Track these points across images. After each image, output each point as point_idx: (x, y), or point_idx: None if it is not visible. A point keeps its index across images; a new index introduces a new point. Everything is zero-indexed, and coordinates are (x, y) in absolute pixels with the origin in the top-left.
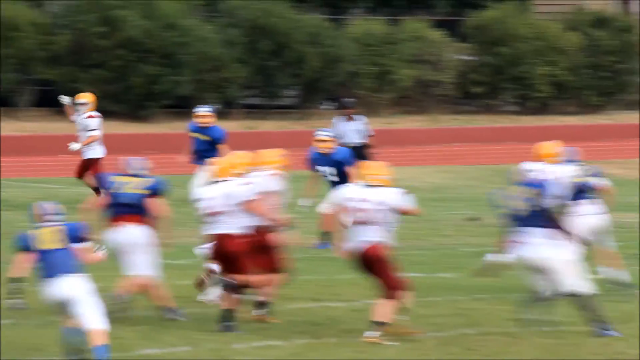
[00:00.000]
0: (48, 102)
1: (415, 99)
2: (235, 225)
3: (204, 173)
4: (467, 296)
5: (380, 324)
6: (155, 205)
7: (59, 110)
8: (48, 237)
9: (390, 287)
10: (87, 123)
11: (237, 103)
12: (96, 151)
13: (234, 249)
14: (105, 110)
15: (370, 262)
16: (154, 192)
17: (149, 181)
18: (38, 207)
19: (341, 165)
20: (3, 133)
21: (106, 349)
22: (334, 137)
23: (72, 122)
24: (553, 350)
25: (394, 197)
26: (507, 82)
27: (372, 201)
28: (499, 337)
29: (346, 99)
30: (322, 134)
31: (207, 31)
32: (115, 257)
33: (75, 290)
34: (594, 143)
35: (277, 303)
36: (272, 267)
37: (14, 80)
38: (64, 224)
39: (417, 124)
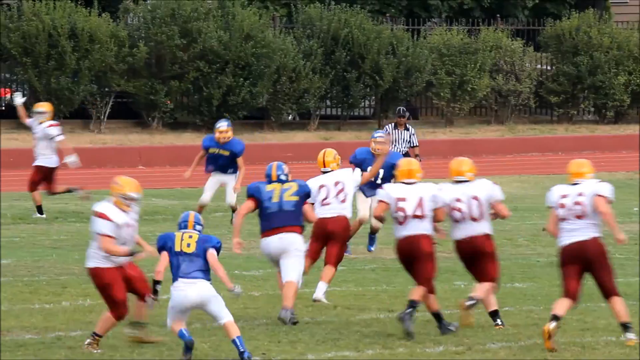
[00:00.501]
0: (126, 114)
1: (492, 108)
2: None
3: (214, 182)
4: (541, 306)
5: (494, 313)
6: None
7: (138, 122)
8: (186, 241)
9: (492, 278)
10: (48, 132)
11: (314, 114)
12: (52, 160)
13: (429, 249)
14: (183, 122)
15: (477, 253)
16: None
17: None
18: (183, 214)
19: (391, 169)
20: (81, 144)
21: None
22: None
23: (25, 124)
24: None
25: (488, 188)
26: (585, 92)
27: (469, 196)
28: (573, 347)
29: (400, 107)
30: (379, 135)
31: (284, 42)
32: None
33: (203, 293)
34: None
35: (351, 313)
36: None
37: (92, 92)
38: (200, 234)
39: (493, 134)
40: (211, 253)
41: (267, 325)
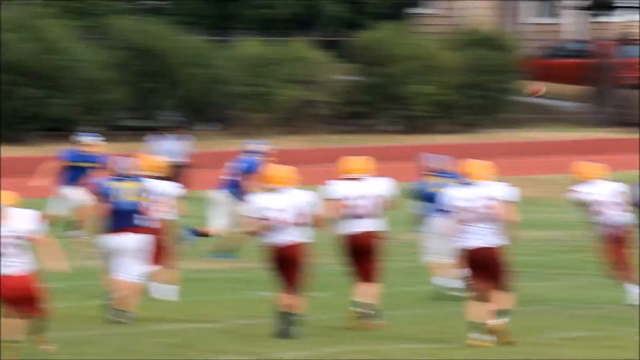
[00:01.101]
0: None
1: (296, 119)
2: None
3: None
4: (339, 314)
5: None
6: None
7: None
8: None
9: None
10: None
11: (117, 125)
12: None
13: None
14: None
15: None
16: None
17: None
18: None
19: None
20: None
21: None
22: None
23: None
24: None
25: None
26: (388, 102)
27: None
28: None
29: (178, 118)
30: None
31: (83, 53)
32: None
33: None
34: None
35: (145, 324)
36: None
37: None
38: None
39: (299, 144)
40: None
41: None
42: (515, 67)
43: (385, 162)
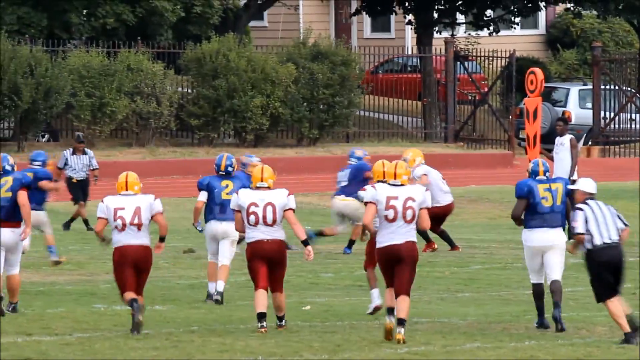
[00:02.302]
0: None
1: (133, 131)
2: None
3: None
4: (180, 328)
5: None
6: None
7: None
8: None
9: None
10: None
11: None
12: None
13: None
14: None
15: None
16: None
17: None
18: None
19: None
20: None
21: None
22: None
23: None
24: None
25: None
26: (225, 115)
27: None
28: None
29: (78, 133)
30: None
31: None
32: None
33: None
34: (310, 175)
35: None
36: None
37: None
38: None
39: (135, 157)
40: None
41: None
42: (354, 81)
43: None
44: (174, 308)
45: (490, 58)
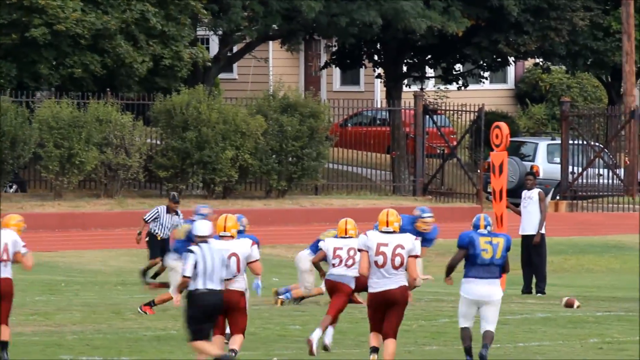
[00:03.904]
0: None
1: (101, 182)
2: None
3: None
4: None
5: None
6: None
7: None
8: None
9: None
10: None
11: None
12: None
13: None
14: None
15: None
16: None
17: None
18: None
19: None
20: None
21: None
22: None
23: None
24: None
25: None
26: (194, 167)
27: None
28: None
29: (173, 193)
30: (427, 216)
31: None
32: None
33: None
34: (279, 227)
35: None
36: None
37: None
38: None
39: (103, 207)
40: None
41: None
42: (322, 133)
43: None
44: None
45: (459, 112)
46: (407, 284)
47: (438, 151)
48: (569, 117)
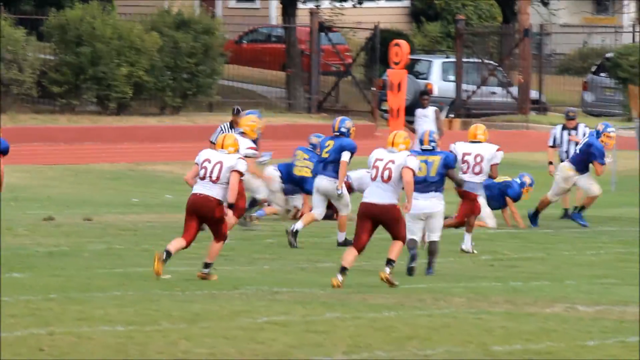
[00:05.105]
0: None
1: None
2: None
3: None
4: (39, 295)
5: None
6: None
7: None
8: None
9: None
10: None
11: None
12: None
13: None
14: None
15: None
16: None
17: None
18: None
19: None
20: None
21: None
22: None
23: None
24: (121, 350)
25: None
26: (88, 82)
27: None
28: (69, 337)
29: (236, 107)
30: (611, 130)
31: None
32: None
33: None
34: (173, 144)
35: None
36: None
37: None
38: None
39: None
40: None
41: None
42: (217, 50)
43: (82, 142)
44: (33, 276)
45: (354, 29)
46: (394, 202)
47: (333, 69)
48: (464, 35)
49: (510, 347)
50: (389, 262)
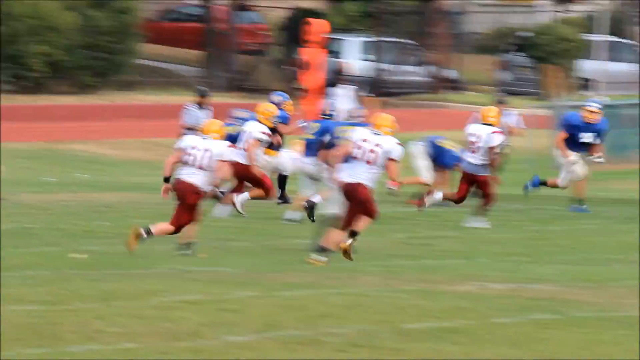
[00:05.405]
0: None
1: None
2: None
3: None
4: None
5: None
6: None
7: None
8: None
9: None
10: None
11: None
12: None
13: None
14: None
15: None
16: None
17: None
18: None
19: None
20: None
21: None
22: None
23: None
24: (34, 329)
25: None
26: (1, 61)
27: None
28: None
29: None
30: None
31: None
32: None
33: None
34: (89, 123)
35: None
36: None
37: None
38: None
39: None
40: None
41: None
42: (134, 29)
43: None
44: None
45: (272, 8)
46: (366, 184)
47: (250, 48)
48: (382, 15)
49: (423, 325)
50: (353, 233)
